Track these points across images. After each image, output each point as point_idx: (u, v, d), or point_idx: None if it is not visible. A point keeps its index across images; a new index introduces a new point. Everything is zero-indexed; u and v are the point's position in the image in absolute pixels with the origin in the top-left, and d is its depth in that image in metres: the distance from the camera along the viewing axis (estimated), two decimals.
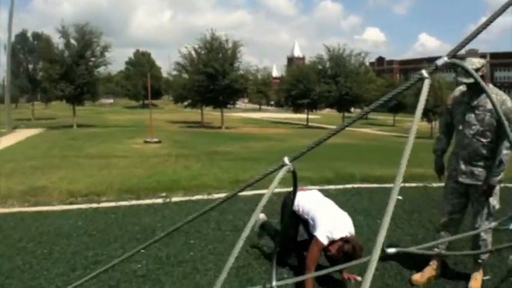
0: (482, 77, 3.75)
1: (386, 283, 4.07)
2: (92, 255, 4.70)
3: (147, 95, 47.00)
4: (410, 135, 1.17)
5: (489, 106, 3.80)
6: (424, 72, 1.19)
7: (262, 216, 4.91)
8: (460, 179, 4.02)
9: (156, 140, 20.49)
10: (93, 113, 53.60)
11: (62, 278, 4.11)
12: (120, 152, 15.88)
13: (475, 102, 3.88)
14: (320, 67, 48.13)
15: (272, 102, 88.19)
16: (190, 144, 20.26)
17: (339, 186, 7.83)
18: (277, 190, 6.93)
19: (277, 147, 19.39)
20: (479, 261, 4.08)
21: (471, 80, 3.72)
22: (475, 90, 3.86)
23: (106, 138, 22.20)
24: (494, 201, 3.94)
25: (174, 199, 7.03)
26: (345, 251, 3.64)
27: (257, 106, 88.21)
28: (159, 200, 6.95)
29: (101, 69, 36.59)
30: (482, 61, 3.84)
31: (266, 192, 1.44)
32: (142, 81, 68.16)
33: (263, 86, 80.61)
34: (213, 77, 37.91)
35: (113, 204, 6.82)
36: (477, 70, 3.72)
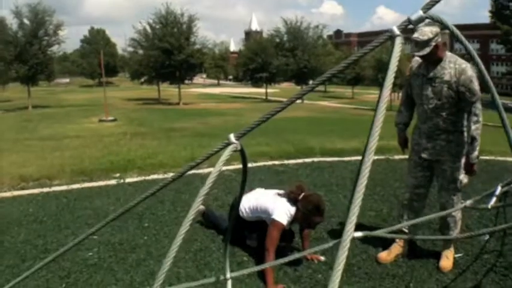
0: (436, 47, 3.56)
1: (351, 263, 3.93)
2: (42, 243, 4.43)
3: (101, 74, 46.58)
4: (381, 103, 0.95)
5: (446, 78, 3.63)
6: (395, 29, 0.97)
7: (201, 207, 4.75)
8: (423, 155, 3.88)
9: (111, 118, 20.10)
10: (48, 93, 52.08)
11: (12, 270, 3.86)
12: (73, 133, 15.46)
13: (431, 74, 3.71)
14: (278, 40, 48.01)
15: (231, 77, 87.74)
16: (147, 121, 19.86)
17: (299, 161, 7.67)
18: (235, 167, 6.75)
19: (235, 122, 19.18)
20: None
21: (423, 53, 3.54)
22: (431, 61, 3.69)
23: (61, 118, 21.66)
24: (461, 176, 3.82)
25: (128, 180, 6.73)
26: (309, 207, 3.62)
27: (216, 81, 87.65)
28: (113, 182, 6.63)
29: (55, 48, 36.46)
30: (434, 30, 3.58)
31: (212, 171, 1.26)
32: (97, 59, 66.76)
33: (221, 60, 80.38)
34: (169, 52, 37.55)
35: (64, 187, 6.48)
36: (429, 40, 3.52)
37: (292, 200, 3.74)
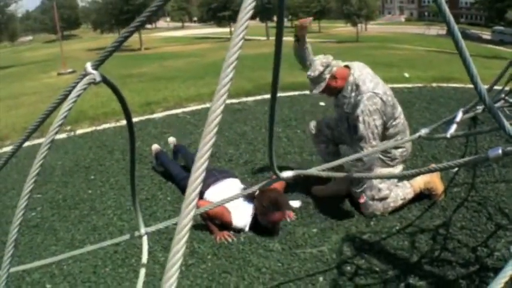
0: (333, 77, 3.31)
1: (306, 201, 3.79)
2: None
3: (63, 27, 45.67)
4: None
5: (345, 108, 3.43)
6: None
7: (155, 146, 4.60)
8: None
9: (69, 70, 19.45)
10: (11, 53, 50.25)
11: None
12: (31, 89, 14.82)
13: (335, 102, 3.60)
14: None
15: (195, 19, 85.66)
16: (105, 69, 18.91)
17: (258, 97, 7.37)
18: (191, 109, 6.41)
19: (196, 63, 18.55)
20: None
21: (318, 90, 3.32)
22: (332, 93, 3.53)
23: (21, 76, 20.91)
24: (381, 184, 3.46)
25: (80, 131, 6.40)
26: (265, 203, 3.23)
27: (180, 24, 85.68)
28: (64, 135, 6.29)
29: (12, 7, 35.33)
30: (325, 61, 3.29)
31: (63, 107, 0.98)
32: (59, 13, 65.01)
33: (184, 2, 78.28)
34: None
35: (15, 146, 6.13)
36: (321, 74, 3.27)
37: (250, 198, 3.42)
